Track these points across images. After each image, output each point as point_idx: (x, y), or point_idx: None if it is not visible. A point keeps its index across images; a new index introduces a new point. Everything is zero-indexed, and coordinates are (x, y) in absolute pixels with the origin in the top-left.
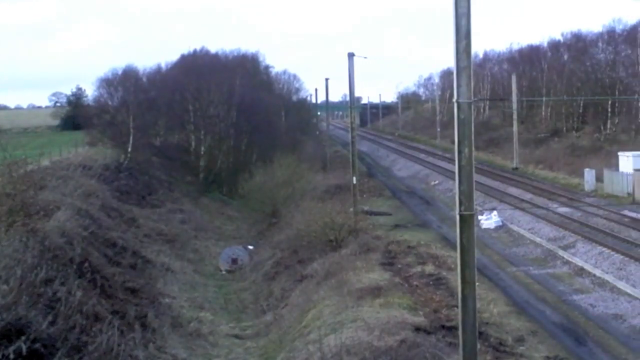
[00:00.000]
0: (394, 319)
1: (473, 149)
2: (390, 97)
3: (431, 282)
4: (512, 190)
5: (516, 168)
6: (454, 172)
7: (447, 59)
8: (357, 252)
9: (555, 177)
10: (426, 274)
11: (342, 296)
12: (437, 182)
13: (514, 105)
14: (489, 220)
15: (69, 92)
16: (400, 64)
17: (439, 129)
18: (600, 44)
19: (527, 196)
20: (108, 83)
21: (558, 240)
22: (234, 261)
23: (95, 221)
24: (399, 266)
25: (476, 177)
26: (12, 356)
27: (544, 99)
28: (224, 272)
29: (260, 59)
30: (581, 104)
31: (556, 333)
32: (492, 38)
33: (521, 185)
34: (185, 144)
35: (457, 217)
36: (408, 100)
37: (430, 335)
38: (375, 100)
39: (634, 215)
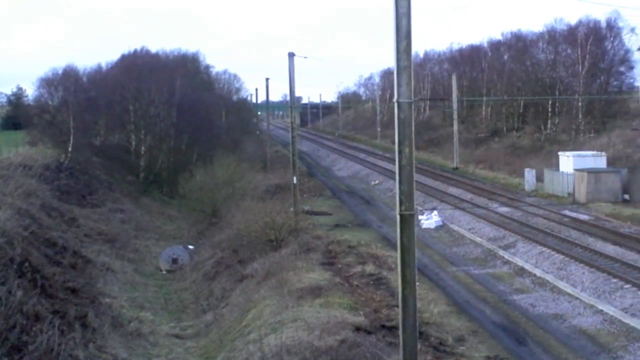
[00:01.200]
0: (335, 319)
1: (413, 148)
2: (330, 97)
3: (371, 282)
4: (453, 190)
5: (456, 168)
6: (394, 172)
7: (388, 59)
8: (298, 252)
9: (496, 177)
10: (366, 273)
11: (282, 296)
12: (377, 181)
13: (454, 105)
14: (429, 220)
15: (9, 92)
16: (341, 64)
17: (379, 129)
18: (540, 44)
19: (468, 196)
20: (48, 83)
21: (498, 240)
22: (175, 261)
23: (36, 221)
24: (340, 266)
25: (416, 177)
26: None
27: (484, 98)
28: (164, 272)
29: (201, 58)
30: (521, 104)
31: (496, 333)
32: (432, 38)
33: (461, 185)
34: (125, 143)
35: (398, 216)
36: (348, 100)
37: (371, 335)
38: (316, 100)
39: (574, 215)
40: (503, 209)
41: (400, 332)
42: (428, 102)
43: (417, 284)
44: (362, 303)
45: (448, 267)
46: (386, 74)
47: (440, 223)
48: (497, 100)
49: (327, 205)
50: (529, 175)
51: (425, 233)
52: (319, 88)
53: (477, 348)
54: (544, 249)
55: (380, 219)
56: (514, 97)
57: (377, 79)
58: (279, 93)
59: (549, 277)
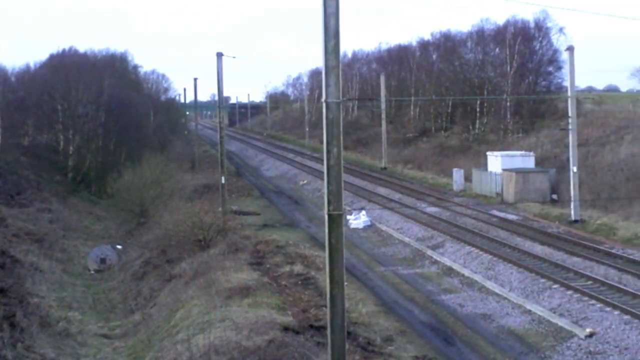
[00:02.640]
0: (263, 319)
1: (342, 148)
2: (259, 97)
3: (300, 282)
4: (381, 190)
5: (385, 168)
6: (322, 172)
7: (316, 59)
8: (226, 252)
9: (424, 177)
10: (295, 273)
11: (210, 296)
12: (305, 181)
13: (383, 105)
14: (357, 220)
15: None
16: (270, 64)
17: (307, 129)
18: (469, 44)
19: (396, 196)
20: None
21: (427, 240)
22: (103, 261)
23: None
24: (268, 266)
25: (345, 176)
26: None
27: (412, 98)
28: (92, 272)
29: (129, 58)
30: (450, 104)
31: (425, 333)
32: (361, 38)
33: (390, 185)
34: (54, 143)
35: (326, 216)
36: (277, 100)
37: (299, 335)
38: (244, 100)
39: (502, 215)
40: (431, 209)
41: (328, 332)
42: (356, 102)
43: (346, 284)
44: (291, 303)
45: (376, 267)
46: (314, 74)
47: (369, 223)
48: (426, 100)
49: (255, 205)
50: (457, 175)
51: (353, 233)
52: (248, 88)
53: (406, 348)
54: (472, 249)
55: (309, 219)
56: (443, 97)
57: (305, 79)
58: (207, 93)
59: (477, 277)
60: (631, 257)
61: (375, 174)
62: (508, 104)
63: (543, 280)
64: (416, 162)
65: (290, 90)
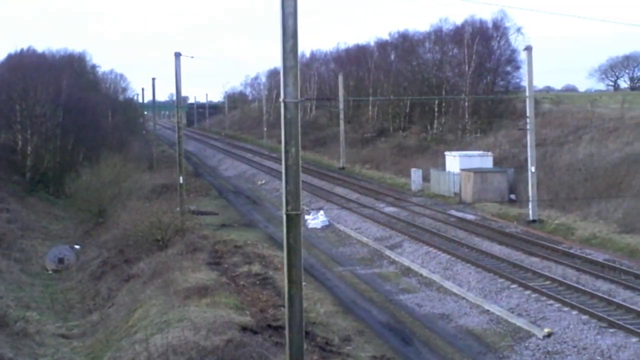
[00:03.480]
0: (221, 319)
1: (300, 148)
2: (217, 97)
3: (258, 282)
4: (339, 190)
5: (343, 168)
6: (280, 172)
7: (275, 59)
8: (184, 252)
9: (382, 177)
10: (253, 273)
11: (168, 296)
12: (263, 181)
13: (341, 105)
14: (315, 220)
15: None
16: (228, 64)
17: (265, 129)
18: (427, 44)
19: (354, 196)
20: None
21: (385, 240)
22: (61, 261)
23: None
24: (226, 266)
25: (303, 176)
26: None
27: (370, 98)
28: (50, 272)
29: (87, 58)
30: (408, 104)
31: (383, 333)
32: (319, 38)
33: (348, 185)
34: (11, 143)
35: (284, 216)
36: (235, 100)
37: (257, 334)
38: (203, 100)
39: (460, 215)
40: (389, 209)
41: (286, 331)
42: (314, 102)
43: (304, 283)
44: (249, 303)
45: (335, 267)
46: (272, 74)
47: (327, 223)
48: (384, 100)
49: (213, 205)
50: (415, 175)
51: (311, 233)
52: (206, 88)
53: (364, 348)
54: (430, 248)
55: (267, 219)
56: (401, 97)
57: (263, 79)
58: (165, 93)
59: (435, 277)
60: (589, 257)
61: (334, 174)
62: (466, 104)
63: (501, 280)
64: (374, 162)
65: (248, 90)
